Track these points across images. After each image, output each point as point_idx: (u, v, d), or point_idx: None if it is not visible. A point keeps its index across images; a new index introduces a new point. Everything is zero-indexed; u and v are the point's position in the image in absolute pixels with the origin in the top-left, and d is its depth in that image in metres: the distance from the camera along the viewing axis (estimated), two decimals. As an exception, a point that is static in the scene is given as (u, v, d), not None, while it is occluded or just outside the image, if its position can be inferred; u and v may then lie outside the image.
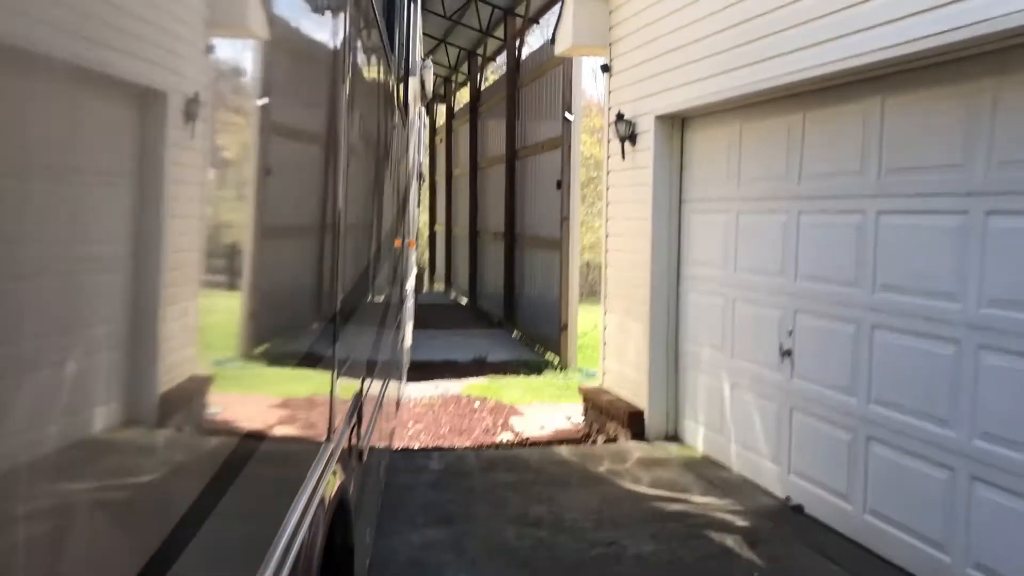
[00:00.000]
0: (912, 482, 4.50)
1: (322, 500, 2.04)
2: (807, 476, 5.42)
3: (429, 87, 7.81)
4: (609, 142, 7.98)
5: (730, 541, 4.98)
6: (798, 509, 5.41)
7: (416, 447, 7.85)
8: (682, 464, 6.52)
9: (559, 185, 12.51)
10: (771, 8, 5.38)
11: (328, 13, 1.99)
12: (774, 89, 5.48)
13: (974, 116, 4.14)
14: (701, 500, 5.71)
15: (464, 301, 19.56)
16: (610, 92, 7.93)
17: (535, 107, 14.62)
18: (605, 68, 8.03)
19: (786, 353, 5.58)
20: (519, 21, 16.12)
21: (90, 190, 0.82)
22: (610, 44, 7.93)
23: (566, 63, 11.61)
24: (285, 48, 1.62)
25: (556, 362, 12.32)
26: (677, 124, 7.04)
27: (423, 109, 9.54)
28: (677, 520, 5.33)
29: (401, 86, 4.91)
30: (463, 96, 22.42)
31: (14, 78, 0.64)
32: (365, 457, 3.21)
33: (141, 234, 0.95)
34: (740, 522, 5.28)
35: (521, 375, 11.50)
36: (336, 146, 2.23)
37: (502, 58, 19.24)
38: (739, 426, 6.21)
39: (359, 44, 2.62)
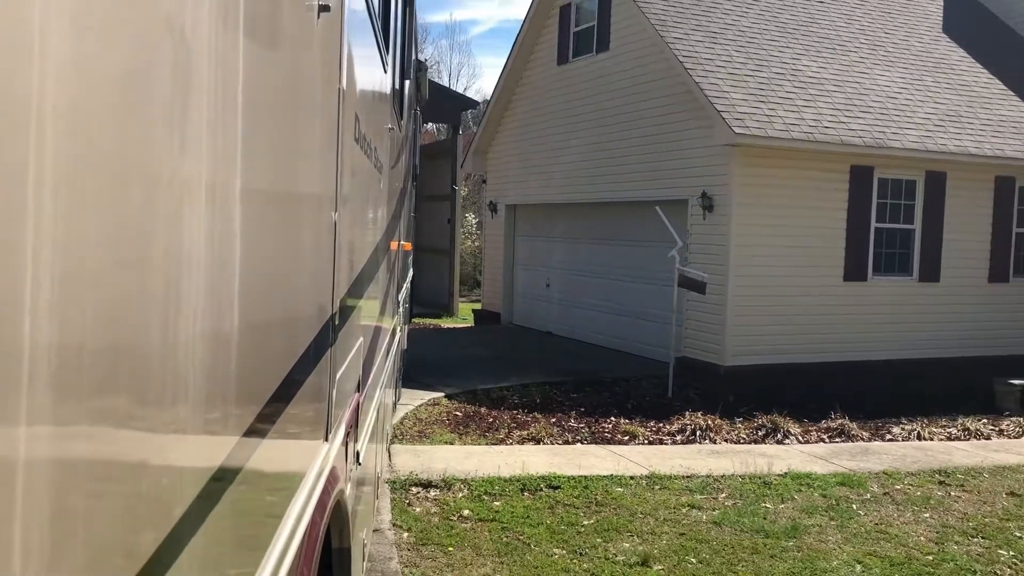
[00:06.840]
0: (586, 316, 16.46)
1: (319, 502, 2.09)
2: (557, 323, 17.33)
3: (425, 90, 8.22)
4: (484, 210, 19.71)
5: (536, 341, 16.79)
6: (549, 333, 17.32)
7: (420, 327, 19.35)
8: (515, 328, 18.33)
9: (449, 221, 24.04)
10: (552, 175, 17.29)
11: (323, 15, 1.97)
12: (551, 203, 17.36)
13: (606, 228, 16.15)
14: (523, 336, 17.50)
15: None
16: (487, 190, 19.65)
17: (429, 173, 25.91)
18: (484, 180, 19.75)
19: (548, 285, 17.53)
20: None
21: (90, 192, 0.81)
22: (487, 170, 19.65)
23: (453, 157, 23.07)
24: (279, 50, 1.63)
25: (445, 315, 23.86)
26: (513, 208, 18.84)
27: (419, 112, 10.48)
28: (518, 339, 17.07)
29: (396, 89, 4.97)
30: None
31: None
32: (363, 457, 3.36)
33: (132, 231, 0.93)
34: (532, 339, 17.12)
35: (430, 319, 22.95)
36: (331, 148, 2.25)
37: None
38: (535, 314, 18.07)
39: (353, 46, 2.62)
